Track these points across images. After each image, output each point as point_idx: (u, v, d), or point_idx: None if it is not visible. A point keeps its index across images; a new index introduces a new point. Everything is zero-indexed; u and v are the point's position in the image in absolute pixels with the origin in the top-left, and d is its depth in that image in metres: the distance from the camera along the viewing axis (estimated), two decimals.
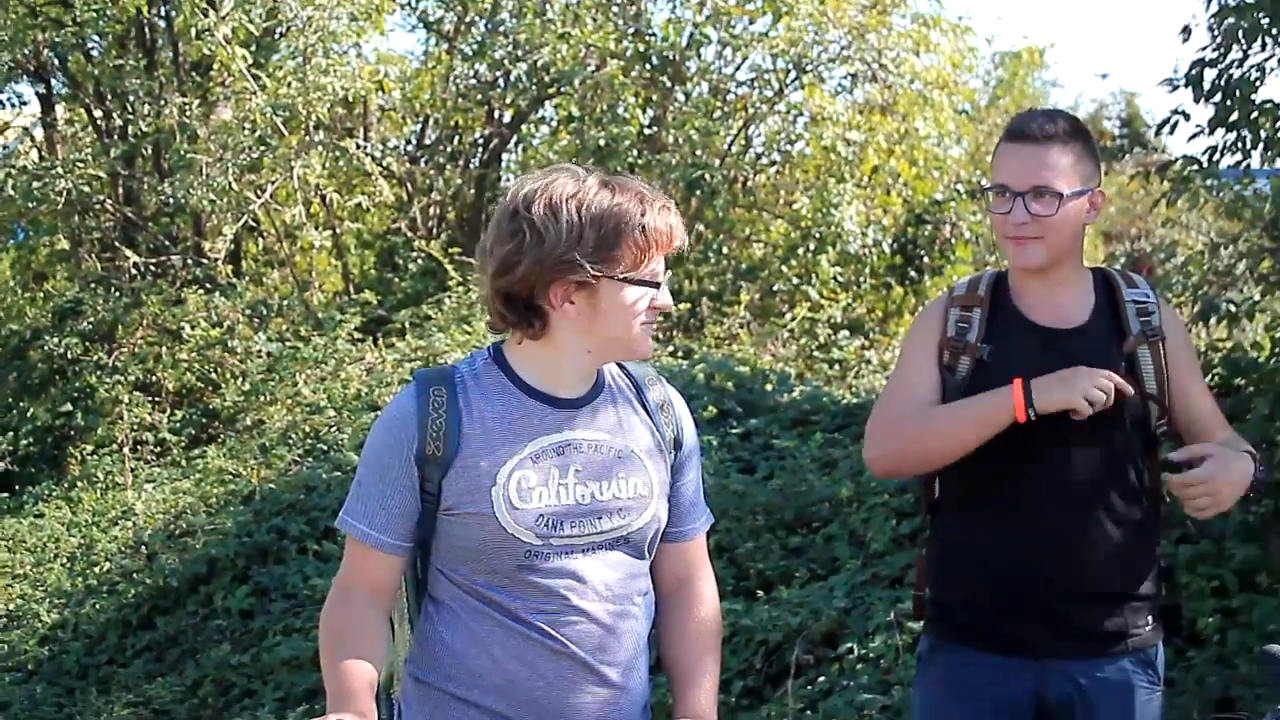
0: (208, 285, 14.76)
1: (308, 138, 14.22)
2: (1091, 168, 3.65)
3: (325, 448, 11.24)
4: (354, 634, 3.01)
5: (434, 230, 16.19)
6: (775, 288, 13.95)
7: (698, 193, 14.08)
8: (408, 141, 17.40)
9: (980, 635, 3.68)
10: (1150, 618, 3.72)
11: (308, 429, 11.73)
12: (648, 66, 15.21)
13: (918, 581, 3.95)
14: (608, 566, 3.10)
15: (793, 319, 12.32)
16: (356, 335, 13.25)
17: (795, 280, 13.79)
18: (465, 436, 3.04)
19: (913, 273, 14.38)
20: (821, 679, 6.45)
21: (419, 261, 15.32)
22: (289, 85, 14.15)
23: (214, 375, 14.42)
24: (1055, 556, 3.62)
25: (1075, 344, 3.65)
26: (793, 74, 15.03)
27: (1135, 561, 3.69)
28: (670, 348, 11.87)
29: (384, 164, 15.83)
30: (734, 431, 9.34)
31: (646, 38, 15.31)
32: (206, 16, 13.79)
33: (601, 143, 14.10)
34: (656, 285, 3.05)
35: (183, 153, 14.34)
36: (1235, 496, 3.57)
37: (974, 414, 3.62)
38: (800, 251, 14.01)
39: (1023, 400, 3.52)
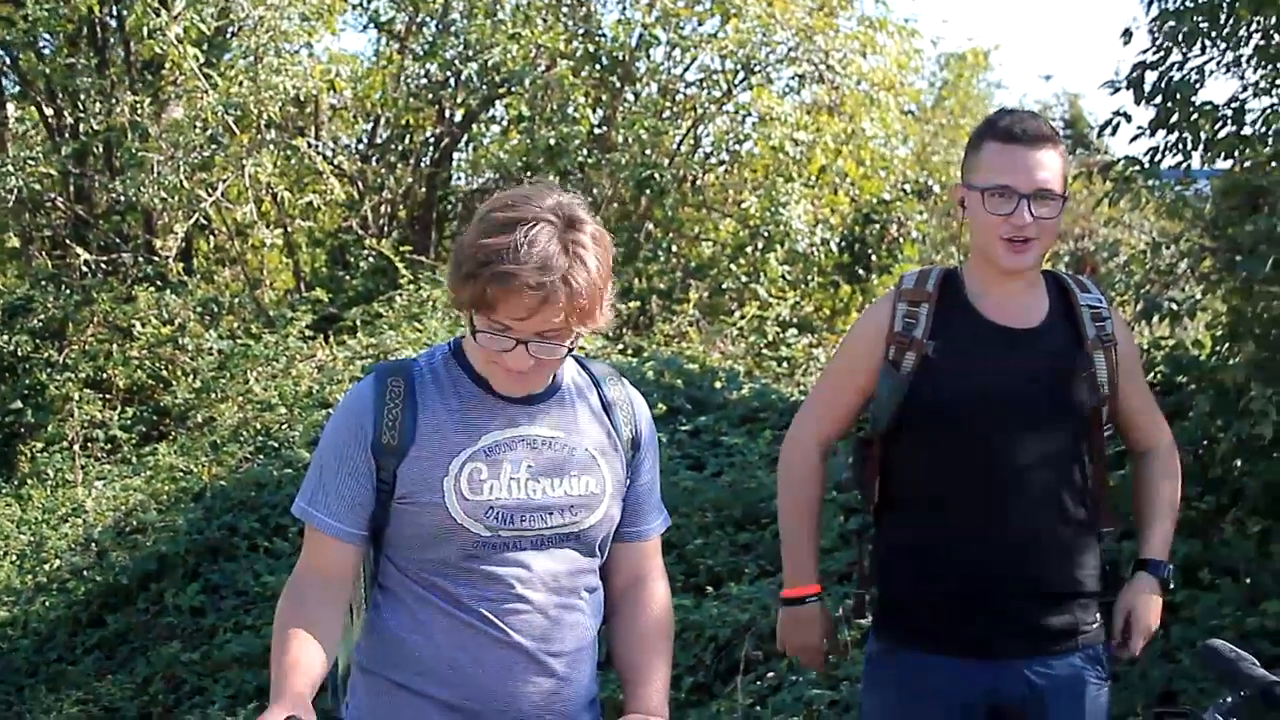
0: (159, 283, 14.64)
1: (259, 136, 14.14)
2: (1067, 170, 3.65)
3: (276, 445, 11.17)
4: (303, 627, 2.97)
5: (385, 229, 16.11)
6: (724, 286, 13.95)
7: (647, 191, 14.08)
8: (359, 140, 17.32)
9: (933, 636, 3.66)
10: (1098, 614, 3.74)
11: (259, 426, 11.66)
12: (597, 67, 15.19)
13: (861, 581, 3.94)
14: (554, 560, 3.09)
15: (741, 317, 12.32)
16: (308, 333, 13.18)
17: (744, 278, 13.80)
18: (420, 427, 3.04)
19: (860, 271, 14.41)
20: (770, 675, 6.44)
21: (370, 260, 15.25)
22: (240, 84, 14.06)
23: (165, 373, 14.31)
24: (1008, 556, 3.61)
25: (1037, 342, 3.66)
26: (741, 75, 15.03)
27: (1083, 559, 3.70)
28: (620, 345, 11.85)
29: (335, 163, 15.76)
30: (683, 428, 9.33)
31: (596, 38, 15.29)
32: (158, 16, 13.68)
33: (552, 142, 14.06)
34: (475, 333, 2.96)
35: (134, 151, 14.24)
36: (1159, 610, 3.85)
37: (784, 544, 3.95)
38: (749, 250, 14.01)
39: (792, 597, 3.89)
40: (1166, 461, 3.91)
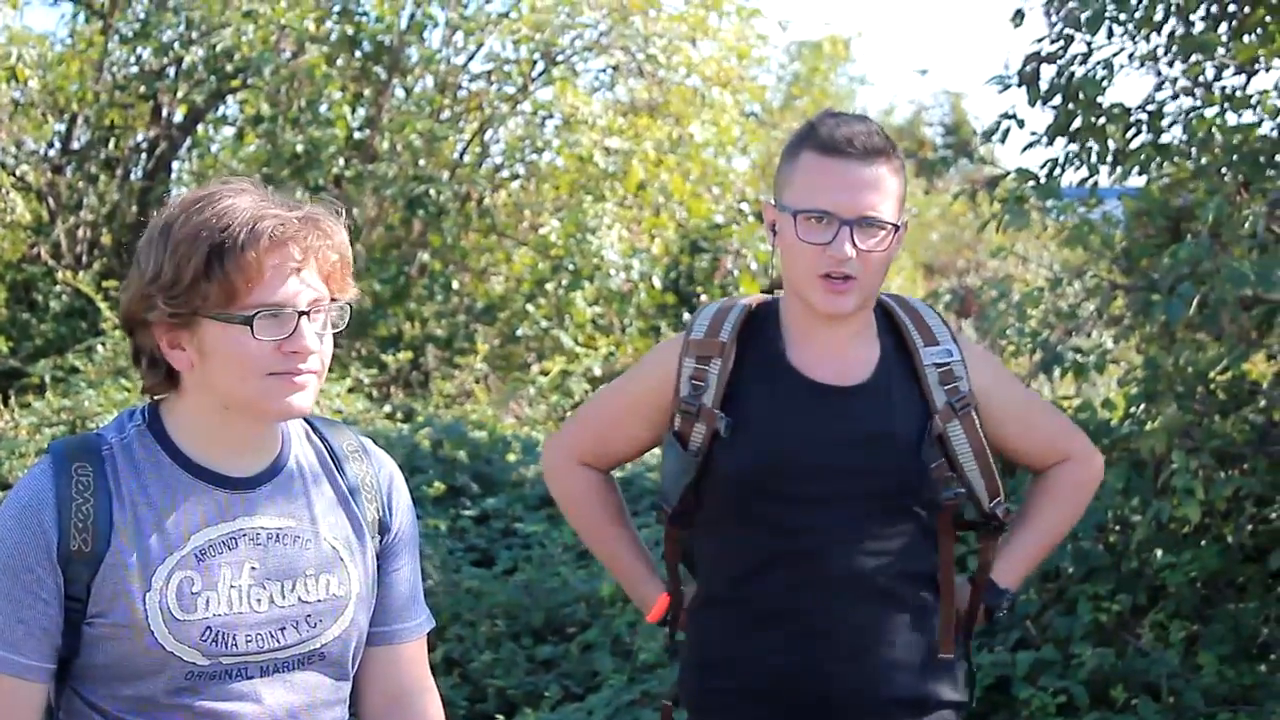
0: None
1: None
2: (905, 191, 3.63)
3: None
4: None
5: (83, 258, 15.89)
6: (520, 332, 13.94)
7: (421, 213, 14.05)
8: (50, 145, 17.07)
9: None
10: None
11: None
12: (358, 54, 15.15)
13: (671, 692, 3.94)
14: (291, 690, 3.01)
15: (542, 372, 12.33)
16: None
17: (544, 323, 13.81)
18: (115, 527, 2.94)
19: (687, 313, 14.47)
20: None
21: (64, 298, 15.04)
22: None
23: None
24: (841, 663, 3.60)
25: (860, 402, 3.62)
26: (540, 65, 15.09)
27: (935, 666, 3.69)
28: (387, 408, 11.78)
29: (18, 173, 15.53)
30: (467, 514, 9.28)
31: (356, 18, 15.24)
32: None
33: (300, 149, 13.98)
34: (248, 321, 2.86)
35: None
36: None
37: (621, 576, 4.00)
38: (550, 287, 14.03)
39: (657, 620, 3.88)
40: (1062, 478, 3.88)
